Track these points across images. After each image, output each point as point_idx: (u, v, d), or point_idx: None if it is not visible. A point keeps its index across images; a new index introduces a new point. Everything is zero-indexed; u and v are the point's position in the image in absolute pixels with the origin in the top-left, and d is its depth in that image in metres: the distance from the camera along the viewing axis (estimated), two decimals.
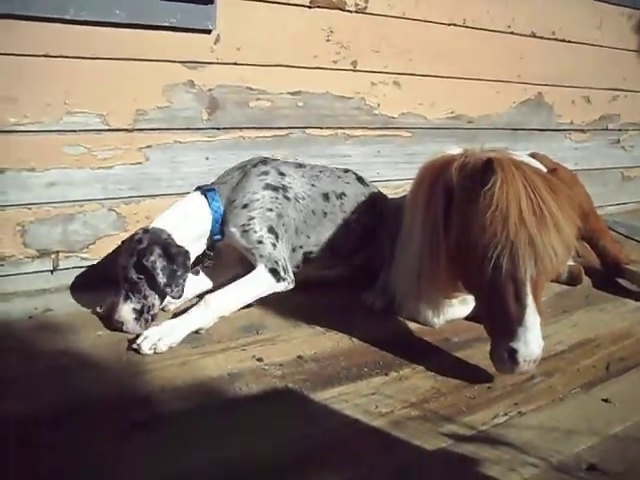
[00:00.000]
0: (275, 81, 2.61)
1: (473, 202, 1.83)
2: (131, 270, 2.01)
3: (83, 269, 2.38)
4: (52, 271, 2.33)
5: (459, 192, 1.93)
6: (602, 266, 2.82)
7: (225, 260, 2.33)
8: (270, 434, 1.56)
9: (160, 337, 1.91)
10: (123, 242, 2.14)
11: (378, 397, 1.76)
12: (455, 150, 2.26)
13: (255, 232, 2.15)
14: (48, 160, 2.23)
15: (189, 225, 2.13)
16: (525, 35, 3.33)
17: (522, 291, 1.78)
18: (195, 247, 2.16)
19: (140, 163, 2.39)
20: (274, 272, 2.13)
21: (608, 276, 2.80)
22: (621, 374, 1.98)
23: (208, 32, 2.39)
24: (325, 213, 2.38)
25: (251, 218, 2.17)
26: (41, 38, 2.11)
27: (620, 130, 4.04)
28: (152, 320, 2.03)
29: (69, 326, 2.05)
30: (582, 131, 3.82)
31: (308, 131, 2.76)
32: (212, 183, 2.30)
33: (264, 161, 2.33)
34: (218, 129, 2.52)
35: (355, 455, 1.50)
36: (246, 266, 2.20)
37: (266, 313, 2.28)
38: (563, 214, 1.81)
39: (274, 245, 2.16)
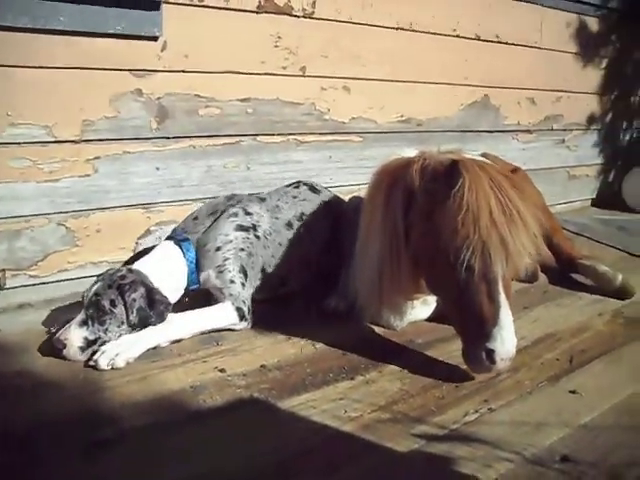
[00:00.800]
0: (224, 88, 2.57)
1: (439, 205, 1.82)
2: (106, 300, 1.93)
3: (32, 287, 2.28)
4: None
5: (421, 195, 1.91)
6: (557, 263, 2.85)
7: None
8: (238, 446, 1.51)
9: (118, 352, 1.86)
10: (98, 276, 2.04)
11: (346, 402, 1.73)
12: (409, 152, 2.26)
13: (229, 272, 2.16)
14: None
15: (167, 278, 2.09)
16: (470, 38, 3.38)
17: (495, 290, 1.77)
18: (172, 298, 2.11)
19: (88, 175, 2.32)
20: (239, 311, 2.14)
21: (562, 272, 2.84)
22: (584, 365, 1.99)
23: (155, 39, 2.34)
24: (290, 240, 2.39)
25: (226, 259, 2.17)
26: None
27: (564, 130, 4.13)
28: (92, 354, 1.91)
29: (21, 346, 1.96)
30: (528, 132, 3.89)
31: (259, 138, 2.72)
32: (181, 229, 2.25)
33: (231, 198, 2.34)
34: (168, 138, 2.47)
35: (327, 462, 1.46)
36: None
37: None
38: (529, 212, 1.82)
39: (243, 285, 2.18)
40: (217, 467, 1.42)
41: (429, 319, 2.30)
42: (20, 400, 1.65)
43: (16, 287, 2.26)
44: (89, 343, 1.90)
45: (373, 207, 2.10)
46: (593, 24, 4.07)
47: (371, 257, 2.06)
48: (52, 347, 1.88)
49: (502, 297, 1.78)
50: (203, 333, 2.09)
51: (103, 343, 1.91)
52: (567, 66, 4.00)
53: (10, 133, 2.14)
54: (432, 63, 3.25)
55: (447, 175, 1.81)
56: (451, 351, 2.06)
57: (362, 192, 2.92)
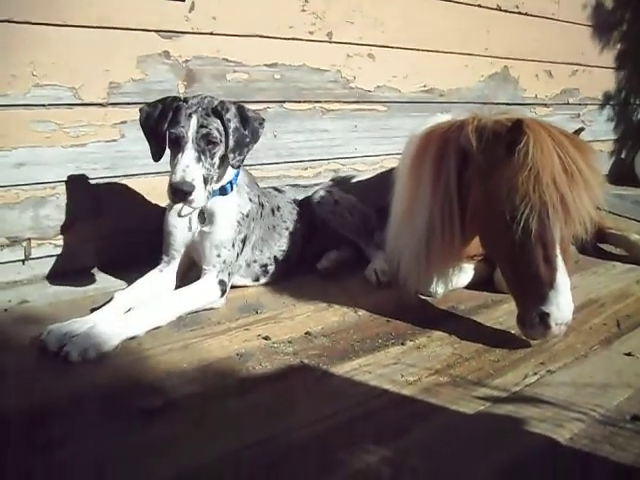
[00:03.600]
0: (252, 53, 2.50)
1: (499, 164, 1.77)
2: (214, 129, 1.83)
3: (58, 257, 2.20)
4: (24, 260, 2.15)
5: (479, 155, 1.84)
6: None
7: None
8: (295, 413, 1.45)
9: (92, 344, 1.64)
10: (150, 105, 1.92)
11: (401, 366, 1.68)
12: (442, 118, 2.21)
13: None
14: (15, 138, 2.05)
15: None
16: (491, 8, 3.32)
17: (552, 253, 1.73)
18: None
19: (115, 140, 2.24)
20: (222, 285, 2.01)
21: (591, 242, 2.79)
22: (633, 329, 1.97)
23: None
24: (274, 227, 2.30)
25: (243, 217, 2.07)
26: (3, 2, 1.93)
27: (580, 104, 4.09)
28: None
29: (51, 316, 1.86)
30: (545, 105, 3.85)
31: (286, 105, 2.65)
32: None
33: None
34: None
35: (395, 425, 1.41)
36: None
37: (261, 293, 2.20)
38: (591, 172, 1.77)
39: (238, 255, 2.07)
40: (273, 435, 1.35)
41: (467, 286, 2.27)
42: (59, 372, 1.57)
43: (41, 257, 2.18)
44: (205, 182, 1.82)
45: (419, 172, 2.03)
46: None
47: (418, 223, 2.00)
48: (84, 315, 1.79)
49: (559, 260, 1.75)
50: (181, 318, 1.91)
51: (211, 180, 1.86)
52: (584, 39, 3.97)
53: (35, 94, 2.05)
54: (454, 33, 3.20)
55: (511, 133, 1.75)
56: (496, 317, 2.04)
57: (386, 162, 2.91)
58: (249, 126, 1.92)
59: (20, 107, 2.04)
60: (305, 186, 2.61)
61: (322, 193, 2.46)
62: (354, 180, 2.89)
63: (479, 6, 3.26)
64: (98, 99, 2.17)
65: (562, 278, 1.72)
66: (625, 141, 4.56)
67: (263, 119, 1.99)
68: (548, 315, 1.70)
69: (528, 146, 1.71)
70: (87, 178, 2.21)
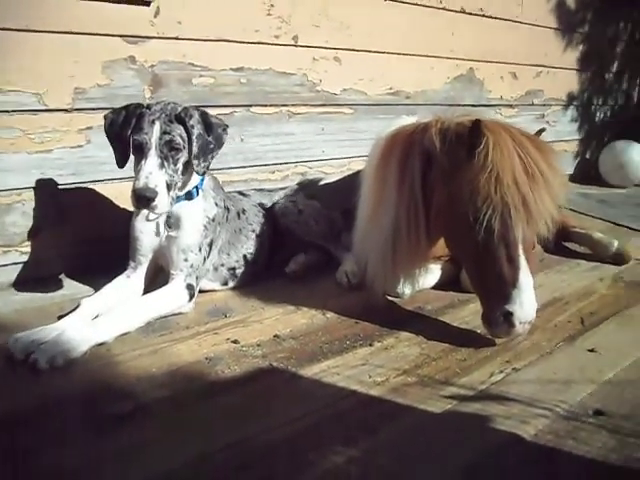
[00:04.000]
0: (218, 57, 2.50)
1: (461, 165, 1.79)
2: (177, 136, 1.84)
3: (24, 264, 2.18)
4: None
5: (442, 157, 1.87)
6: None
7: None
8: (264, 415, 1.46)
9: (60, 351, 1.62)
10: (114, 111, 1.92)
11: (369, 367, 1.70)
12: (407, 120, 2.23)
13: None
14: None
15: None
16: (456, 11, 3.35)
17: (515, 253, 1.76)
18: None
19: (81, 146, 2.22)
20: (190, 289, 2.01)
21: (556, 241, 2.84)
22: (596, 326, 2.01)
23: (147, 4, 2.25)
24: (240, 230, 2.31)
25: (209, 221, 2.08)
26: None
27: (544, 105, 4.16)
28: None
29: (18, 324, 1.84)
30: (510, 106, 3.90)
31: (253, 109, 2.65)
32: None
33: None
34: None
35: (362, 425, 1.43)
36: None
37: (229, 297, 2.20)
38: (552, 172, 1.80)
39: (205, 259, 2.07)
40: (243, 438, 1.36)
41: (434, 287, 2.30)
42: (26, 379, 1.56)
43: (7, 264, 2.15)
44: (168, 188, 1.82)
45: (384, 174, 2.05)
46: (571, 0, 4.10)
47: (384, 225, 2.02)
48: (50, 322, 1.77)
49: (522, 259, 1.78)
50: (149, 323, 1.89)
51: (174, 186, 1.86)
52: (547, 41, 4.03)
53: None
54: (420, 35, 3.22)
55: (470, 135, 1.78)
56: (463, 316, 2.07)
57: (353, 165, 2.93)
58: (213, 132, 1.93)
59: None
60: (270, 190, 2.61)
61: (285, 203, 2.47)
62: (321, 183, 2.89)
63: (444, 9, 3.28)
64: (63, 105, 2.15)
65: (525, 277, 1.75)
66: (589, 141, 4.64)
67: (226, 125, 2.00)
68: (512, 314, 1.73)
69: (488, 148, 1.74)
70: (53, 184, 2.18)
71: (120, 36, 2.23)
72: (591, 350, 1.82)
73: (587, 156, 4.65)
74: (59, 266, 2.22)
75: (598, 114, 4.69)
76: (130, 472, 1.24)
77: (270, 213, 2.46)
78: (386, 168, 2.05)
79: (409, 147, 1.99)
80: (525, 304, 1.74)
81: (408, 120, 2.23)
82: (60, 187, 2.21)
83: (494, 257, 1.77)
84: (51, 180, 2.18)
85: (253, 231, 2.34)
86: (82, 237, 2.25)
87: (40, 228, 2.18)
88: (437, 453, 1.34)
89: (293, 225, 2.43)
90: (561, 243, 2.85)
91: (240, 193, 2.49)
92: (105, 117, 1.93)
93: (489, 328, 1.82)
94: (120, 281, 2.00)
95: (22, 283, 2.17)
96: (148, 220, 1.95)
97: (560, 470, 1.32)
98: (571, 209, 3.55)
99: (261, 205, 2.47)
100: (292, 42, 2.71)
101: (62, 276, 2.22)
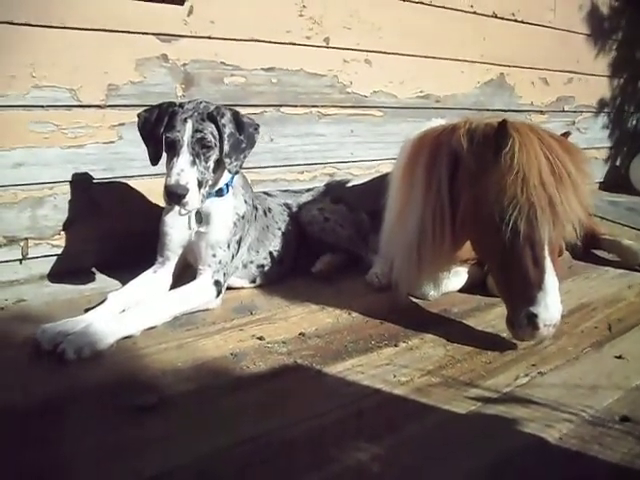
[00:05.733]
0: (249, 57, 2.52)
1: (488, 166, 1.79)
2: (209, 134, 1.87)
3: (55, 257, 2.22)
4: (21, 260, 2.16)
5: (469, 158, 1.86)
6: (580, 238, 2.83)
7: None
8: (288, 411, 1.46)
9: (87, 342, 1.65)
10: (147, 110, 1.96)
11: (393, 367, 1.70)
12: (436, 123, 2.23)
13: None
14: (14, 138, 2.07)
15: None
16: (487, 15, 3.34)
17: (540, 254, 1.75)
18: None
19: (113, 142, 2.26)
20: (217, 285, 2.03)
21: (585, 247, 2.81)
22: (624, 333, 1.98)
23: (181, 3, 2.28)
24: (267, 227, 2.33)
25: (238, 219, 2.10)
26: (4, 3, 1.96)
27: (575, 112, 4.12)
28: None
29: (48, 316, 1.87)
30: (541, 112, 3.87)
31: (283, 109, 2.67)
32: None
33: None
34: None
35: (387, 423, 1.43)
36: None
37: (255, 295, 2.22)
38: (580, 174, 1.79)
39: (233, 256, 2.09)
40: (266, 432, 1.36)
41: (461, 290, 2.29)
42: (54, 370, 1.58)
43: (38, 257, 2.19)
44: (199, 186, 1.85)
45: (412, 176, 2.05)
46: (604, 7, 4.07)
47: (410, 226, 2.01)
48: (79, 314, 1.80)
49: (548, 261, 1.76)
50: (176, 318, 1.92)
51: (205, 184, 1.90)
52: (579, 47, 4.00)
53: (34, 95, 2.07)
54: (450, 39, 3.22)
55: (497, 136, 1.77)
56: (489, 320, 2.06)
57: (381, 167, 2.93)
58: (244, 131, 1.95)
59: (19, 108, 2.06)
60: (295, 191, 2.63)
61: (312, 212, 2.47)
62: (349, 185, 2.90)
63: (475, 13, 3.28)
64: (96, 101, 2.19)
65: (550, 279, 1.74)
66: (620, 148, 4.59)
67: (258, 125, 2.02)
68: (536, 316, 1.71)
69: (514, 149, 1.73)
70: (85, 179, 2.22)
71: (154, 34, 2.26)
72: (618, 357, 1.79)
73: (617, 164, 4.60)
74: (90, 259, 2.26)
75: (630, 121, 4.64)
76: (152, 462, 1.25)
77: (296, 215, 2.48)
78: (413, 169, 2.05)
79: (437, 148, 1.99)
80: (550, 306, 1.72)
81: (438, 123, 2.23)
82: (93, 181, 2.24)
83: (519, 258, 1.76)
84: (84, 174, 2.22)
85: (279, 229, 2.36)
86: (114, 231, 2.28)
87: (72, 221, 2.22)
88: (461, 453, 1.33)
89: (321, 234, 2.45)
90: (590, 250, 2.82)
91: (265, 193, 2.51)
92: (138, 116, 1.96)
93: (513, 330, 1.81)
94: (147, 276, 2.02)
95: (53, 276, 2.21)
96: (181, 214, 1.96)
97: (584, 474, 1.30)
98: (600, 216, 3.52)
99: (286, 205, 2.48)
100: (323, 43, 2.73)
101: (92, 270, 2.26)
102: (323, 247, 2.46)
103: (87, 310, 1.85)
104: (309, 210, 2.49)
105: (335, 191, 2.70)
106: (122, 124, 2.25)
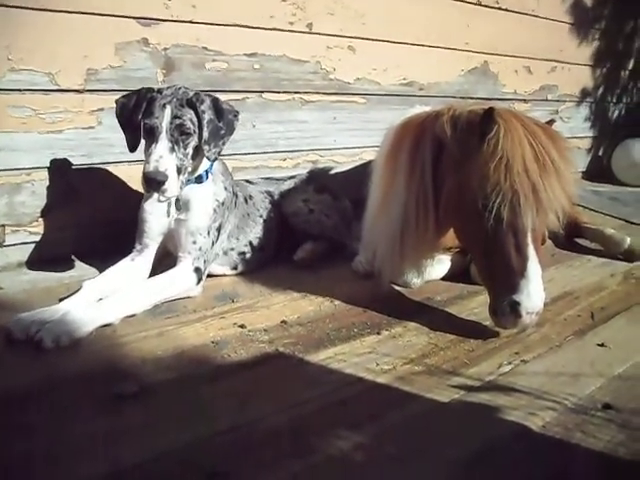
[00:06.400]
0: (231, 42, 2.49)
1: (472, 153, 1.77)
2: (187, 120, 1.84)
3: (32, 245, 2.18)
4: None
5: (453, 145, 1.85)
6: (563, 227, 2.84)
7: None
8: (269, 399, 1.44)
9: (65, 331, 1.63)
10: (125, 96, 1.92)
11: (376, 355, 1.69)
12: (420, 110, 2.22)
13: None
14: None
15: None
16: (472, 3, 3.33)
17: (523, 241, 1.74)
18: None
19: (92, 127, 2.22)
20: (198, 272, 2.01)
21: (567, 236, 2.82)
22: (607, 321, 1.99)
23: None
24: (248, 214, 2.31)
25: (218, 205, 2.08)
26: None
27: (558, 101, 4.13)
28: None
29: (26, 303, 1.84)
30: (524, 101, 3.87)
31: (265, 95, 2.64)
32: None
33: None
34: None
35: (369, 411, 1.42)
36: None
37: (237, 282, 2.20)
38: (563, 161, 1.78)
39: (213, 243, 2.07)
40: (247, 421, 1.35)
41: (444, 278, 2.29)
42: (31, 358, 1.55)
43: (16, 244, 2.15)
44: (178, 172, 1.83)
45: (395, 163, 2.03)
46: None
47: (393, 214, 2.00)
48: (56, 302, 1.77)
49: (531, 249, 1.75)
50: (156, 305, 1.89)
51: (185, 171, 1.87)
52: (563, 36, 4.01)
53: (10, 79, 2.02)
54: (435, 27, 3.20)
55: (482, 122, 1.76)
56: (471, 308, 2.06)
57: (365, 154, 2.92)
58: (224, 118, 1.93)
59: None
60: (277, 179, 2.60)
61: (297, 203, 2.44)
62: (332, 172, 2.88)
63: (459, 0, 3.26)
64: (75, 85, 2.15)
65: (533, 267, 1.73)
66: (602, 138, 4.60)
67: (237, 112, 2.00)
68: (519, 304, 1.70)
69: (499, 135, 1.72)
70: (63, 165, 2.18)
71: (134, 18, 2.22)
72: (601, 345, 1.80)
73: (600, 153, 4.62)
74: (69, 247, 2.22)
75: (612, 111, 4.66)
76: (132, 450, 1.23)
77: (278, 203, 2.45)
78: (397, 156, 2.03)
79: (420, 135, 1.97)
80: (533, 294, 1.71)
81: (421, 110, 2.22)
82: (71, 167, 2.20)
83: (502, 246, 1.75)
84: (62, 160, 2.18)
85: (260, 216, 2.33)
86: (93, 218, 2.25)
87: (50, 208, 2.18)
88: (444, 441, 1.33)
89: (305, 225, 2.43)
90: (572, 239, 2.84)
91: (246, 181, 2.48)
92: (116, 102, 1.92)
93: (495, 318, 1.80)
94: (124, 264, 1.99)
95: (30, 263, 2.18)
96: (160, 201, 1.93)
97: (568, 462, 1.30)
98: (583, 206, 3.53)
99: (268, 193, 2.46)
100: (306, 29, 2.70)
101: (71, 257, 2.22)
102: (306, 235, 2.44)
103: (62, 299, 1.81)
104: (293, 201, 2.46)
105: (318, 179, 2.68)
106: (101, 109, 2.21)
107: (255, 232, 2.29)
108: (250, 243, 2.27)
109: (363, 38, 2.91)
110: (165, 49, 2.31)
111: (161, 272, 1.98)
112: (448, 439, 1.34)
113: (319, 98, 2.83)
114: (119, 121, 1.92)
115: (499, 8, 3.48)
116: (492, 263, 1.79)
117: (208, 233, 2.03)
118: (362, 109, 3.01)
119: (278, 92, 2.68)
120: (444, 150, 1.90)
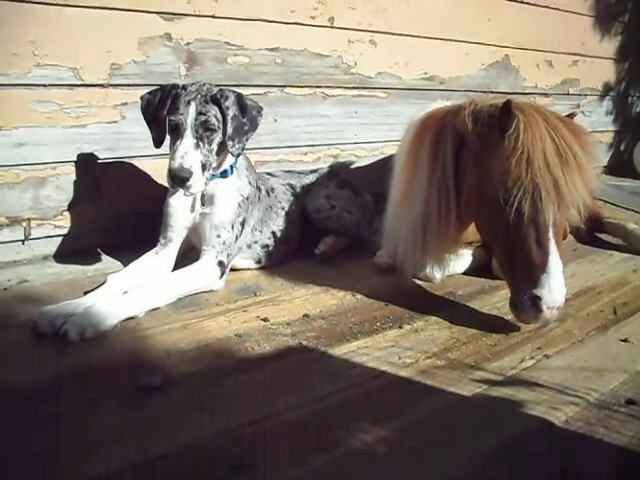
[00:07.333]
0: (253, 36, 2.50)
1: (493, 147, 1.77)
2: (212, 117, 1.86)
3: (57, 238, 2.21)
4: (23, 241, 2.15)
5: (474, 139, 1.85)
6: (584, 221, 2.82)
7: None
8: (293, 392, 1.45)
9: (90, 323, 1.64)
10: (150, 92, 1.94)
11: (398, 349, 1.69)
12: (441, 104, 2.21)
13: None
14: (16, 118, 2.05)
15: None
16: None
17: (544, 236, 1.73)
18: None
19: (116, 122, 2.24)
20: (221, 266, 2.02)
21: (589, 231, 2.81)
22: (629, 316, 1.98)
23: None
24: (270, 207, 2.32)
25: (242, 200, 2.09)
26: None
27: (580, 95, 4.09)
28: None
29: (51, 296, 1.87)
30: (546, 95, 3.84)
31: (287, 90, 2.65)
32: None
33: None
34: None
35: (392, 405, 1.42)
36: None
37: (259, 276, 2.21)
38: (585, 156, 1.77)
39: (237, 237, 2.08)
40: (271, 414, 1.36)
41: (465, 272, 2.28)
42: (59, 351, 1.57)
43: (41, 237, 2.18)
44: (203, 169, 1.85)
45: (416, 157, 2.03)
46: None
47: (415, 208, 2.00)
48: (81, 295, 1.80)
49: (552, 243, 1.74)
50: (180, 299, 1.91)
51: (209, 167, 1.90)
52: (585, 29, 3.97)
53: (36, 74, 2.05)
54: (456, 21, 3.19)
55: (502, 116, 1.75)
56: (493, 302, 2.05)
57: (385, 149, 2.92)
58: (247, 114, 1.94)
59: (21, 87, 2.04)
60: (299, 172, 2.60)
61: (319, 199, 2.45)
62: (353, 166, 2.89)
63: None
64: (99, 80, 2.17)
65: (554, 262, 1.72)
66: (624, 133, 4.57)
67: (261, 107, 2.01)
68: (540, 299, 1.70)
69: (519, 129, 1.71)
70: (88, 159, 2.20)
71: (157, 13, 2.24)
72: (624, 340, 1.79)
73: (622, 148, 4.58)
74: (93, 240, 2.25)
75: (635, 106, 4.61)
76: (157, 441, 1.25)
77: (301, 197, 2.46)
78: (418, 150, 2.03)
79: (442, 129, 1.97)
80: (554, 289, 1.70)
81: (442, 104, 2.21)
82: (96, 161, 2.23)
83: (523, 240, 1.74)
84: (87, 154, 2.20)
85: (282, 208, 2.35)
86: (119, 212, 2.28)
87: (75, 202, 2.21)
88: (466, 435, 1.33)
89: (327, 222, 2.44)
90: (594, 234, 2.82)
91: (268, 174, 2.49)
92: (141, 98, 1.94)
93: (516, 313, 1.79)
94: (148, 258, 2.01)
95: (57, 256, 2.21)
96: (186, 195, 1.94)
97: (590, 456, 1.30)
98: (604, 200, 3.50)
99: (290, 185, 2.47)
100: (328, 23, 2.71)
101: (96, 251, 2.24)
102: (328, 231, 2.45)
103: (87, 292, 1.84)
104: (316, 197, 2.46)
105: (340, 174, 2.68)
106: (125, 104, 2.23)
107: (277, 223, 2.31)
108: (273, 234, 2.28)
109: (384, 32, 2.91)
110: (187, 44, 2.33)
111: (184, 266, 2.00)
112: (470, 433, 1.34)
113: (340, 92, 2.84)
114: (144, 117, 1.94)
115: (521, 2, 3.46)
116: (513, 257, 1.79)
117: (232, 227, 2.04)
118: (383, 103, 3.01)
119: (300, 87, 2.69)
120: (465, 144, 1.90)
